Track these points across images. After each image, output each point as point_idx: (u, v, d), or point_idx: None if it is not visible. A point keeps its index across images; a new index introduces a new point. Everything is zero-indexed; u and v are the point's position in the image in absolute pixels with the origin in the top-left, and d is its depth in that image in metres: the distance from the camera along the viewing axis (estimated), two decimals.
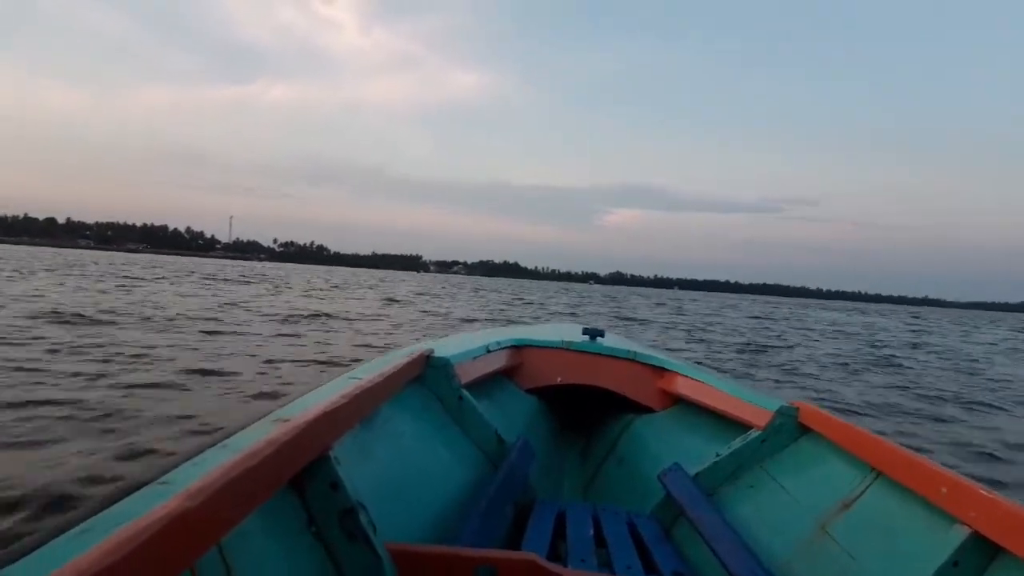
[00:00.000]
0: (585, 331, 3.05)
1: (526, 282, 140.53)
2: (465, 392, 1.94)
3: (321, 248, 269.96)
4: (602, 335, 3.02)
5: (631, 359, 2.79)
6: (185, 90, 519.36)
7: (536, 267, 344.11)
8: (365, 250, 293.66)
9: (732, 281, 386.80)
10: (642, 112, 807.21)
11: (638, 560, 1.54)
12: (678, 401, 2.55)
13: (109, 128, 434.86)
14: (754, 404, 2.00)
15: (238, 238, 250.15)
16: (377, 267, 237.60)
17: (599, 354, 2.84)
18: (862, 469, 1.51)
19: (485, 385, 2.35)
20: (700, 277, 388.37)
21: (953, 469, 1.29)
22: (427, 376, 1.92)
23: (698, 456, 1.92)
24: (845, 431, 1.63)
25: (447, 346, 2.26)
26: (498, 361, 2.56)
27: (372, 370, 1.63)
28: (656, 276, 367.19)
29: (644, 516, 1.82)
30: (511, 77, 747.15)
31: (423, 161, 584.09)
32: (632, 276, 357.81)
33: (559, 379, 2.83)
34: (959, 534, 1.18)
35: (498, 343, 2.63)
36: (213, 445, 1.04)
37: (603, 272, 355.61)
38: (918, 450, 1.49)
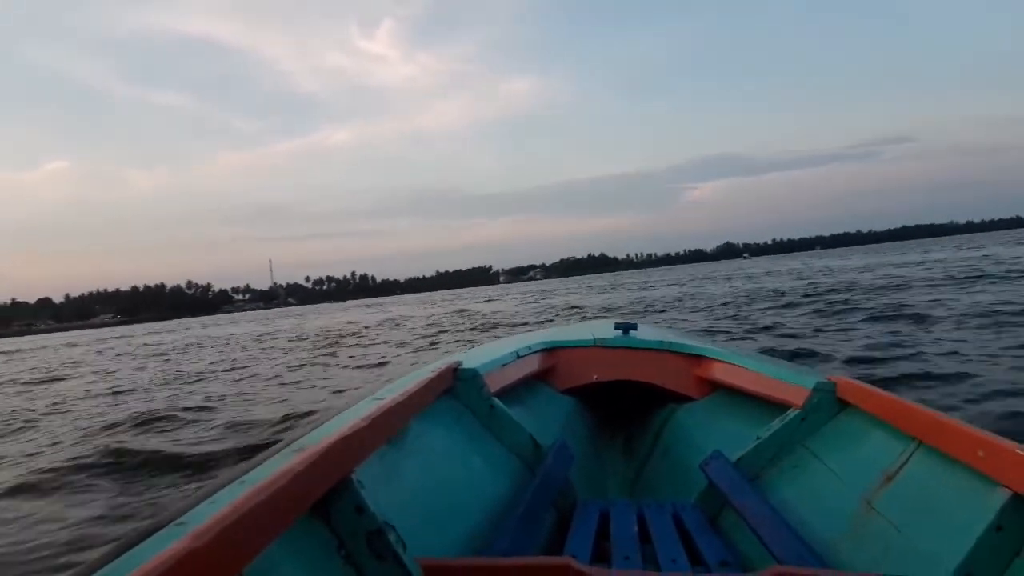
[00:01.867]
0: (617, 326, 3.02)
1: (629, 275, 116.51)
2: (496, 400, 1.99)
3: (365, 278, 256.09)
4: (635, 328, 3.00)
5: (665, 350, 2.78)
6: (254, 151, 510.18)
7: (628, 255, 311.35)
8: (429, 271, 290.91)
9: (866, 231, 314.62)
10: (705, 83, 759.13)
11: (683, 553, 1.55)
12: (716, 387, 2.55)
13: (188, 198, 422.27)
14: (791, 383, 1.99)
15: (275, 283, 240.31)
16: (441, 287, 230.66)
17: (633, 348, 2.82)
18: (903, 440, 1.51)
19: (518, 391, 2.40)
20: (827, 232, 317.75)
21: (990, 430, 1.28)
22: (457, 388, 1.96)
23: (740, 441, 1.92)
24: (884, 402, 1.62)
25: (476, 356, 2.32)
26: (530, 365, 2.59)
27: (398, 389, 1.68)
28: (775, 240, 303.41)
29: (688, 506, 1.84)
30: (564, 74, 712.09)
31: (489, 175, 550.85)
32: (745, 244, 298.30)
33: (595, 377, 2.81)
34: (1000, 497, 1.18)
35: (528, 347, 2.65)
36: (230, 482, 1.07)
37: (709, 247, 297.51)
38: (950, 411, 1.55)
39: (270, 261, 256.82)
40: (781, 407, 1.96)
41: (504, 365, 2.32)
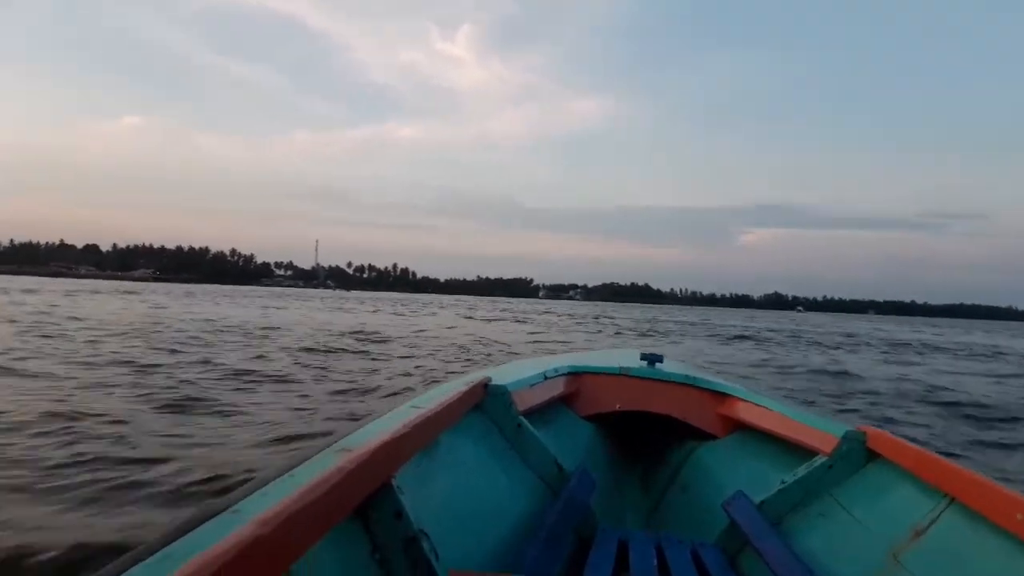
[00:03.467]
0: (643, 356, 3.04)
1: (677, 309, 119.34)
2: (523, 419, 2.01)
3: (405, 272, 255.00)
4: (660, 360, 3.01)
5: (690, 384, 2.78)
6: (323, 133, 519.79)
7: (672, 289, 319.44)
8: (470, 275, 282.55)
9: (921, 302, 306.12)
10: (775, 126, 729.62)
11: None
12: (739, 427, 2.52)
13: (257, 171, 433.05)
14: (819, 429, 1.99)
15: (318, 263, 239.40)
16: (480, 293, 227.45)
17: (658, 380, 2.84)
18: (934, 496, 1.49)
19: (543, 412, 2.41)
20: (880, 298, 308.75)
21: None
22: (486, 404, 1.99)
23: (762, 484, 1.92)
24: (916, 456, 1.60)
25: (505, 374, 2.37)
26: (556, 388, 2.61)
27: (432, 399, 1.71)
28: (825, 297, 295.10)
29: (708, 546, 1.84)
30: (631, 99, 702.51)
31: (544, 189, 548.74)
32: (795, 297, 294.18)
33: (617, 405, 2.82)
34: None
35: (555, 370, 2.71)
36: (279, 476, 1.10)
37: (756, 294, 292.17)
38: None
39: (316, 242, 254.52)
40: (807, 453, 1.95)
41: (532, 385, 2.37)
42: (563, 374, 2.76)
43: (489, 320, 28.09)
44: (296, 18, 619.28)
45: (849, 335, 29.14)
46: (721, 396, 2.68)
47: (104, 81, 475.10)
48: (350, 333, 15.07)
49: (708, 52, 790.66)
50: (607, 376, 2.87)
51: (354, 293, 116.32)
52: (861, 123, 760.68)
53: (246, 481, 1.11)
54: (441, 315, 30.80)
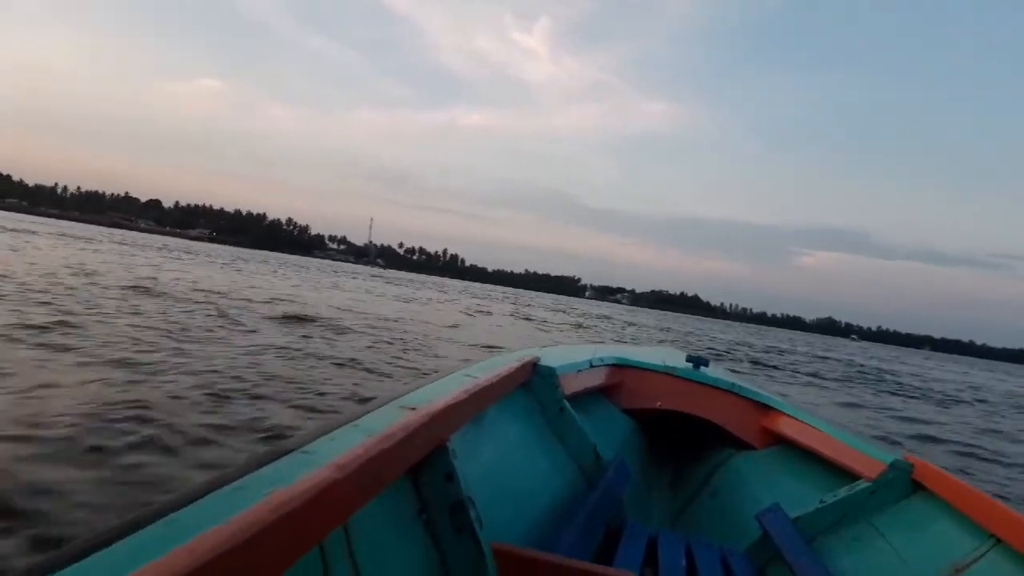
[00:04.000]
0: (689, 358, 3.01)
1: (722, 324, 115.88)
2: (567, 403, 2.03)
3: (455, 258, 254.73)
4: (706, 364, 2.98)
5: (734, 392, 2.75)
6: (392, 113, 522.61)
7: (722, 304, 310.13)
8: (517, 267, 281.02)
9: (980, 343, 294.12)
10: (845, 148, 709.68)
11: None
12: (780, 441, 2.49)
13: (323, 145, 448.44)
14: (864, 453, 1.95)
15: (371, 241, 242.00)
16: (526, 287, 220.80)
17: (701, 383, 2.80)
18: (979, 534, 1.45)
19: (584, 400, 2.43)
20: (937, 334, 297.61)
21: None
22: (533, 383, 2.00)
23: (798, 500, 1.91)
24: (962, 492, 1.57)
25: (553, 356, 2.33)
26: (599, 377, 2.64)
27: (485, 370, 1.73)
28: (880, 328, 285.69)
29: (738, 554, 1.82)
30: (700, 108, 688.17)
31: (603, 188, 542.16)
32: (848, 324, 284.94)
33: (659, 403, 2.82)
34: None
35: (601, 359, 2.70)
36: (345, 424, 1.11)
37: (809, 317, 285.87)
38: None
39: (371, 220, 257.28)
40: (848, 476, 1.92)
41: (578, 372, 2.36)
42: (608, 364, 2.76)
43: (547, 326, 21.21)
44: None
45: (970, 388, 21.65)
46: (764, 408, 2.66)
47: (183, 43, 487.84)
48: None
49: (784, 69, 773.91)
50: (652, 372, 2.86)
51: (391, 272, 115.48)
52: (936, 157, 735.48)
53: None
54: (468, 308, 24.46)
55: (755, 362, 17.42)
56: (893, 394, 14.10)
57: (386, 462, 0.91)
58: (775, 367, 16.83)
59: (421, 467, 1.12)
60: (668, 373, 2.84)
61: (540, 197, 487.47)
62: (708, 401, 2.74)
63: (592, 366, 2.55)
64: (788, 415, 2.49)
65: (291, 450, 0.92)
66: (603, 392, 2.70)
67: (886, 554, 1.61)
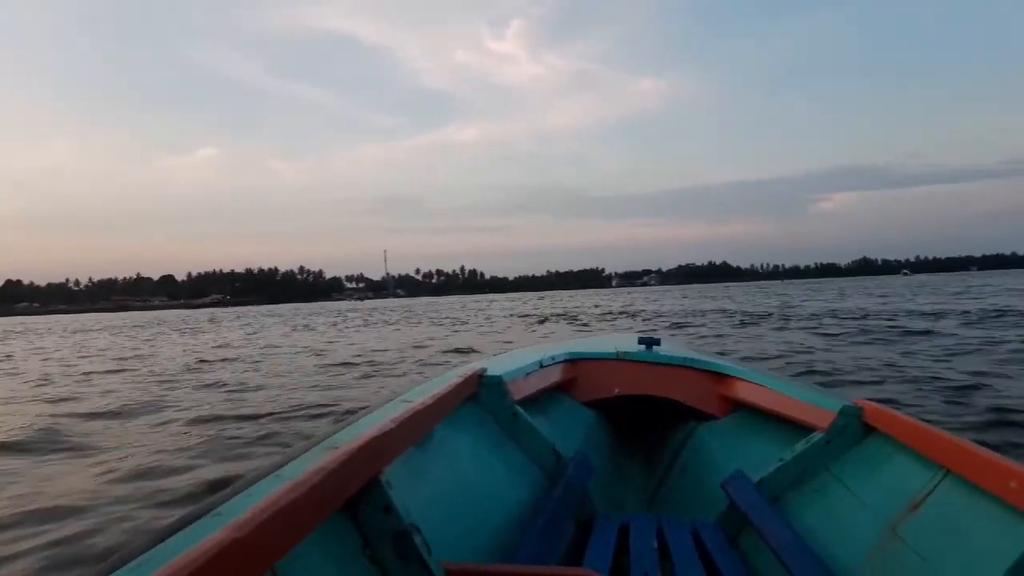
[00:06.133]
0: (640, 340, 3.01)
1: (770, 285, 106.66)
2: (519, 409, 2.02)
3: (473, 273, 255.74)
4: (658, 343, 2.97)
5: (689, 366, 2.75)
6: (387, 144, 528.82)
7: (752, 265, 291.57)
8: (539, 270, 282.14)
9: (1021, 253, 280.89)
10: (846, 83, 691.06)
11: (703, 571, 1.59)
12: (739, 407, 2.51)
13: (327, 189, 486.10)
14: (817, 405, 1.98)
15: (387, 273, 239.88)
16: (551, 288, 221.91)
17: (656, 363, 2.80)
18: (931, 468, 1.50)
19: (541, 401, 2.42)
20: (977, 253, 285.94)
21: None
22: (481, 395, 2.00)
23: (762, 462, 1.92)
24: (912, 429, 1.61)
25: (500, 364, 2.33)
26: (553, 376, 2.62)
27: (424, 392, 1.71)
28: (919, 258, 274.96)
29: (709, 525, 1.86)
30: (691, 75, 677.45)
31: (610, 176, 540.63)
32: (885, 260, 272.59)
33: (616, 390, 2.79)
34: None
35: (552, 358, 2.67)
36: (266, 475, 1.11)
37: (843, 262, 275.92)
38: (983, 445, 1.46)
39: (385, 252, 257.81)
40: (805, 430, 1.95)
41: (528, 374, 2.34)
42: (560, 361, 2.74)
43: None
44: (354, 35, 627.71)
45: None
46: (720, 377, 2.67)
47: (177, 117, 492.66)
48: None
49: (769, 14, 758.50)
50: (605, 361, 2.85)
51: (408, 301, 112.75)
52: (937, 71, 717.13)
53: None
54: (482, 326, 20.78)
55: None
56: None
57: (307, 504, 0.89)
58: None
59: (357, 503, 1.11)
60: (621, 359, 2.83)
61: (549, 197, 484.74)
62: (665, 379, 2.75)
63: (543, 366, 2.53)
64: (744, 380, 2.51)
65: (202, 515, 0.91)
66: (560, 389, 2.70)
67: (847, 500, 1.64)
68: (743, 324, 15.87)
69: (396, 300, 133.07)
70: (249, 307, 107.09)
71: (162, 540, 0.83)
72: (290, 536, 0.85)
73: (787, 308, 22.52)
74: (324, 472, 0.96)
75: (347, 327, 23.09)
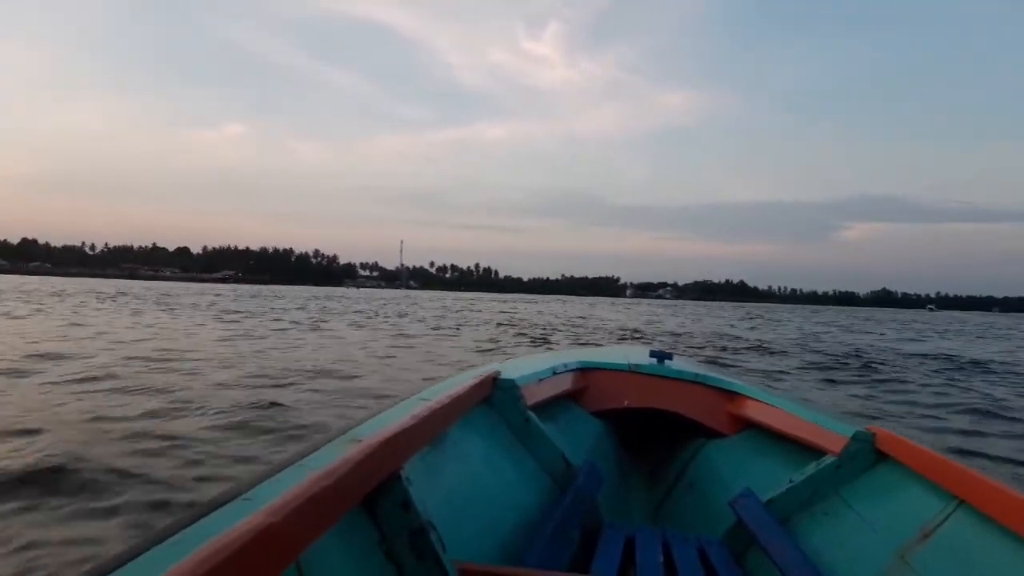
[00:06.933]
0: (652, 354, 3.03)
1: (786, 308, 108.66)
2: (532, 414, 2.03)
3: (488, 271, 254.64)
4: (670, 358, 2.98)
5: (700, 383, 2.75)
6: (412, 136, 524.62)
7: (770, 287, 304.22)
8: (554, 274, 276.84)
9: None
10: (877, 116, 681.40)
11: None
12: (748, 426, 2.50)
13: (348, 174, 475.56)
14: (828, 429, 1.97)
15: (402, 264, 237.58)
16: (564, 293, 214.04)
17: (667, 377, 2.81)
18: (943, 497, 1.48)
19: (551, 408, 2.42)
20: (999, 294, 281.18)
21: None
22: (494, 398, 2.01)
23: (770, 482, 1.93)
24: (925, 457, 1.60)
25: (514, 368, 2.35)
26: (564, 383, 2.62)
27: (441, 392, 1.72)
28: (939, 294, 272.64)
29: (715, 542, 1.84)
30: (722, 92, 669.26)
31: (635, 186, 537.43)
32: (904, 294, 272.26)
33: (626, 402, 2.80)
34: None
35: (564, 365, 2.69)
36: (290, 464, 1.12)
37: (862, 292, 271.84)
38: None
39: (401, 242, 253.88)
40: (815, 452, 1.94)
41: (540, 380, 2.36)
42: (572, 369, 2.75)
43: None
44: (389, 24, 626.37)
45: None
46: (731, 395, 2.68)
47: (206, 91, 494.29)
48: None
49: (808, 38, 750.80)
50: (616, 372, 2.85)
51: (418, 294, 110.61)
52: (975, 107, 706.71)
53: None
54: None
55: None
56: None
57: (333, 496, 0.91)
58: None
59: (376, 498, 1.13)
60: (633, 371, 2.83)
61: (570, 202, 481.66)
62: (675, 394, 2.75)
63: (555, 373, 2.55)
64: (755, 399, 2.51)
65: (232, 498, 0.92)
66: (570, 398, 2.70)
67: (857, 525, 1.63)
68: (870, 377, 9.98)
69: (396, 291, 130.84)
70: (261, 286, 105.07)
71: (195, 520, 0.84)
72: (318, 526, 0.86)
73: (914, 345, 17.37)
74: (351, 463, 0.98)
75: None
